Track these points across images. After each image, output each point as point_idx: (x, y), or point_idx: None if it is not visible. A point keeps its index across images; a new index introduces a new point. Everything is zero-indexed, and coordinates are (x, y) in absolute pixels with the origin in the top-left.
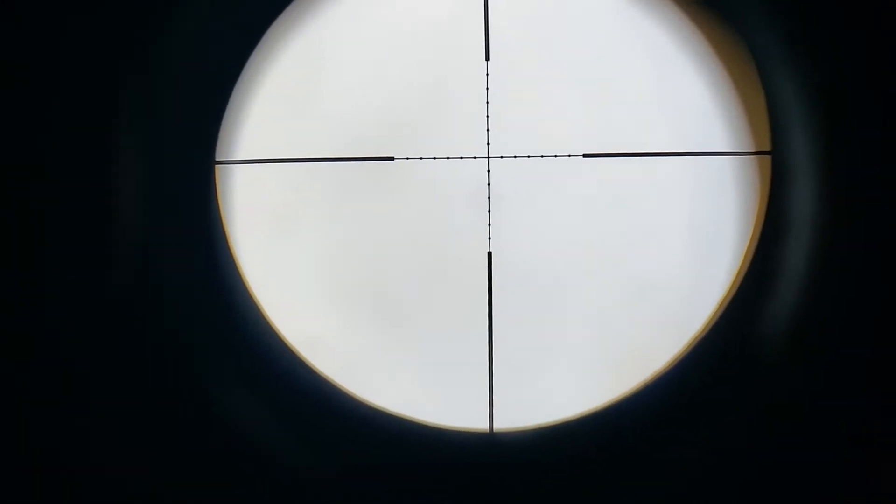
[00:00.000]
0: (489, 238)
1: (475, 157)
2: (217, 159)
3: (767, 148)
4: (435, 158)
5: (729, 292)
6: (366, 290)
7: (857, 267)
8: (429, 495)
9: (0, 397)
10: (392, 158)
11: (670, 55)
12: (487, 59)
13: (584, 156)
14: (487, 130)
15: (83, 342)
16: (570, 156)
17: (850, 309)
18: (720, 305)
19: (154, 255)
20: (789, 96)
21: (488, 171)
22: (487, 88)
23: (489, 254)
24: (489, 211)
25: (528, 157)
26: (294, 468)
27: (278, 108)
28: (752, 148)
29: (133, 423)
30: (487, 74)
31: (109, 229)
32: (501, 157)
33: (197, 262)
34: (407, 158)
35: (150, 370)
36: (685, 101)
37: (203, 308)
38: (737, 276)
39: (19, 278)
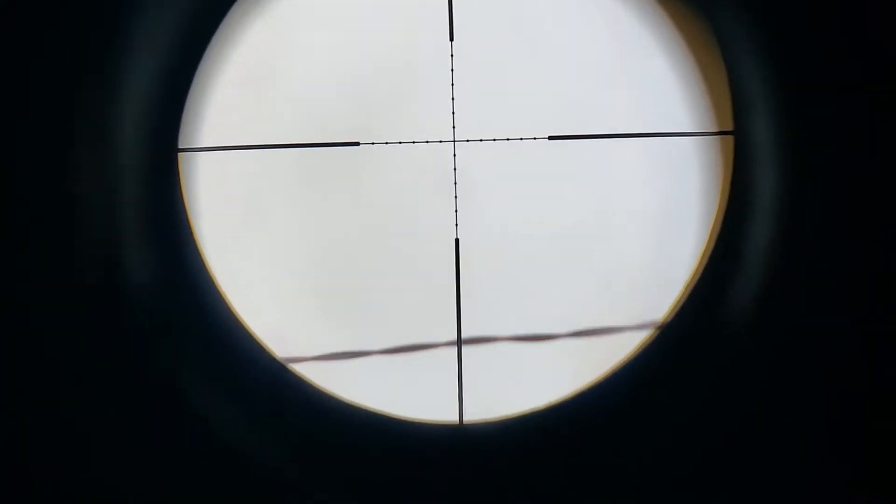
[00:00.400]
0: (456, 224)
1: (441, 141)
2: (179, 147)
3: (730, 128)
4: (401, 143)
5: (695, 274)
6: (332, 279)
7: (821, 246)
8: (400, 487)
9: None
10: (357, 144)
11: (634, 36)
12: (452, 39)
13: (550, 138)
14: (453, 113)
15: (47, 339)
16: (535, 138)
17: (815, 289)
18: (686, 288)
19: (117, 246)
20: (752, 75)
21: (454, 154)
22: (452, 70)
23: (457, 240)
24: (456, 196)
25: (494, 140)
26: (261, 462)
27: (241, 94)
28: (714, 128)
29: (100, 420)
30: (452, 56)
31: (70, 221)
32: (468, 140)
33: (161, 252)
34: (372, 143)
35: (116, 365)
36: (648, 81)
37: (169, 300)
38: (701, 259)
39: None
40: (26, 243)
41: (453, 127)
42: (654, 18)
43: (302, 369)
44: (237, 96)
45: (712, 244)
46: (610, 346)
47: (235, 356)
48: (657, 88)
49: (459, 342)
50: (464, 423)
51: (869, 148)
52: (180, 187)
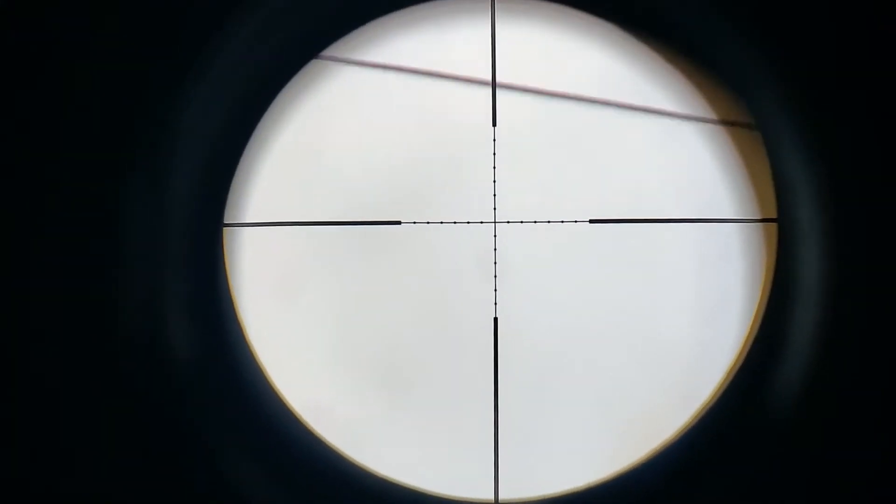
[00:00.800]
0: (495, 304)
1: (482, 222)
2: (225, 222)
3: (773, 215)
4: (442, 223)
5: (737, 360)
6: (372, 357)
7: (864, 332)
8: None
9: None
10: (399, 223)
11: (676, 122)
12: (494, 124)
13: (591, 221)
14: (494, 195)
15: (90, 407)
16: (576, 221)
17: (860, 374)
18: (729, 373)
19: (160, 317)
20: (794, 163)
21: (495, 235)
22: (494, 154)
23: (495, 319)
24: (495, 276)
25: (535, 222)
26: None
27: (286, 172)
28: (758, 215)
29: (139, 491)
30: (494, 140)
31: (115, 291)
32: (508, 222)
33: (203, 325)
34: (414, 223)
35: (155, 436)
36: (691, 167)
37: (209, 373)
38: (745, 344)
39: (23, 344)
40: (73, 314)
41: (494, 208)
42: (697, 106)
43: (338, 444)
44: (283, 174)
45: (755, 330)
46: (651, 429)
47: (274, 431)
48: (700, 175)
49: (496, 419)
50: (500, 501)
51: None
52: (224, 262)
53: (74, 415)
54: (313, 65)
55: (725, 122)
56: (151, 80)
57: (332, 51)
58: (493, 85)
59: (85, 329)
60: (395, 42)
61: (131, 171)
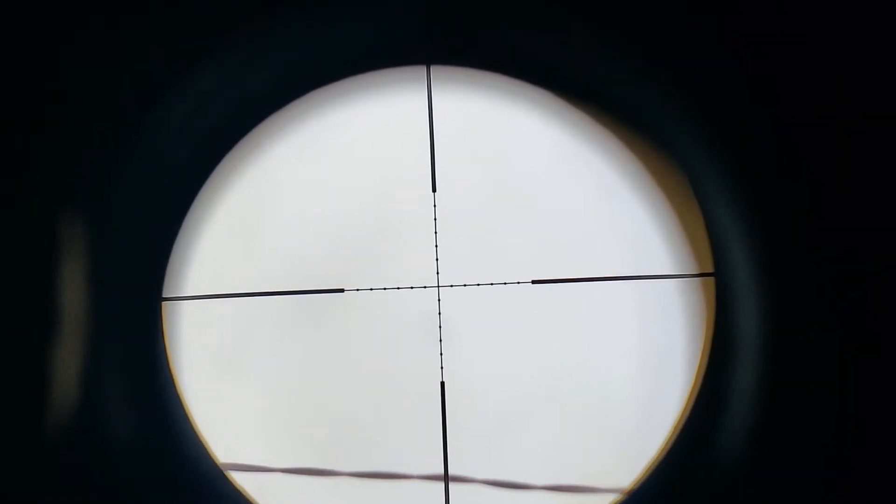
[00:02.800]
0: (441, 367)
1: (425, 287)
2: (164, 296)
3: (710, 269)
4: (385, 289)
5: (683, 414)
6: (316, 426)
7: (806, 383)
8: None
9: None
10: (342, 290)
11: (612, 182)
12: (434, 190)
13: (533, 282)
14: (437, 259)
15: (22, 484)
16: (519, 282)
17: (803, 424)
18: (675, 428)
19: (97, 393)
20: (727, 218)
21: (439, 299)
22: (435, 219)
23: (442, 384)
24: (441, 340)
25: (478, 284)
26: None
27: (227, 243)
28: (695, 270)
29: None
30: (435, 206)
31: (50, 366)
32: (452, 285)
33: (142, 400)
34: (357, 290)
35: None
36: (628, 226)
37: (149, 449)
38: (689, 398)
39: None
40: (4, 388)
41: (437, 273)
42: (631, 166)
43: None
44: (223, 245)
45: (699, 383)
46: (601, 487)
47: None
48: (637, 233)
49: (447, 484)
50: None
51: (848, 286)
52: (163, 335)
53: (11, 496)
54: (251, 137)
55: (661, 182)
56: (86, 153)
57: (269, 123)
58: (432, 152)
59: (15, 406)
60: (332, 113)
61: (67, 246)
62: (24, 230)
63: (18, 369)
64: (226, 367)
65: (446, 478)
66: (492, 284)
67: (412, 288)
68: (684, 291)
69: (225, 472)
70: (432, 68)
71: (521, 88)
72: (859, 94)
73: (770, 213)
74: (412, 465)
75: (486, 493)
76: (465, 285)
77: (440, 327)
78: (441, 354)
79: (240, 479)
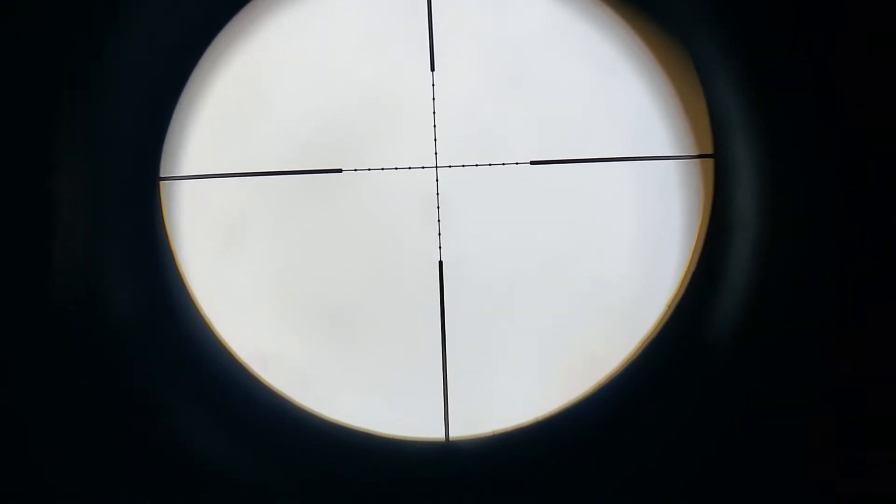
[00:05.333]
0: (440, 247)
1: (423, 167)
2: (161, 175)
3: (710, 151)
4: (383, 169)
5: (677, 294)
6: (316, 303)
7: (801, 264)
8: None
9: None
10: (340, 170)
11: (612, 62)
12: (433, 69)
13: (532, 163)
14: (435, 140)
15: (29, 366)
16: (517, 163)
17: (796, 306)
18: (669, 307)
19: (99, 273)
20: (729, 99)
21: (437, 180)
22: (434, 98)
23: (440, 263)
24: (439, 220)
25: (476, 165)
26: (249, 484)
27: (223, 123)
28: (694, 151)
29: (81, 444)
30: (433, 84)
31: (52, 248)
32: (450, 166)
33: (143, 280)
34: (355, 170)
35: (97, 391)
36: (628, 106)
37: (152, 327)
38: (684, 278)
39: None
40: (5, 271)
41: (435, 153)
42: (632, 45)
43: (287, 390)
44: (219, 125)
45: (694, 263)
46: (595, 363)
47: (218, 378)
48: (637, 113)
49: (444, 361)
50: (450, 440)
51: (846, 165)
52: (162, 215)
53: (15, 376)
54: (246, 12)
55: (662, 61)
56: (79, 32)
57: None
58: (430, 30)
59: (18, 285)
60: None
61: (62, 127)
62: (19, 114)
63: (20, 249)
64: (225, 245)
65: (444, 356)
66: (490, 165)
67: (410, 168)
68: (683, 172)
69: (227, 347)
70: None
71: None
72: None
73: (772, 93)
74: (410, 342)
75: (491, 367)
76: (463, 166)
77: (438, 208)
78: (439, 234)
79: (242, 354)
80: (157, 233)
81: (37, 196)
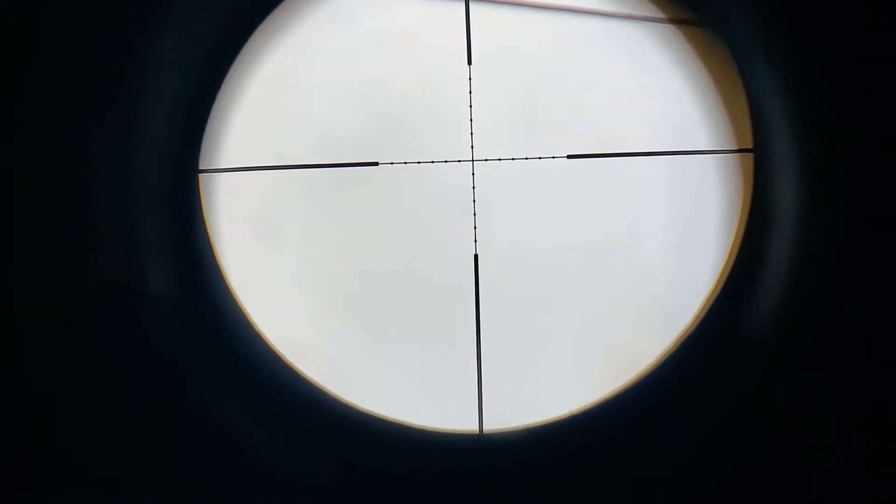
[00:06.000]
0: (475, 241)
1: (460, 161)
2: (200, 168)
3: (749, 146)
4: (419, 163)
5: (715, 289)
6: (352, 295)
7: (840, 261)
8: (420, 498)
9: None
10: (376, 164)
11: (651, 56)
12: (470, 63)
13: (569, 157)
14: (471, 134)
15: (68, 352)
16: (554, 157)
17: (835, 303)
18: (706, 302)
19: (138, 264)
20: (770, 94)
21: (473, 174)
22: (470, 92)
23: (475, 256)
24: (475, 214)
25: (513, 159)
26: (284, 474)
27: (261, 116)
28: (734, 146)
29: (120, 431)
30: (470, 78)
31: (92, 239)
32: (486, 160)
33: (182, 270)
34: (391, 163)
35: (137, 380)
36: (667, 100)
37: (189, 317)
38: (722, 273)
39: (3, 286)
40: (48, 260)
41: (472, 147)
42: (672, 39)
43: (321, 380)
44: (258, 118)
45: (732, 259)
46: (632, 357)
47: (256, 369)
48: (676, 107)
49: (479, 355)
50: (484, 432)
51: (886, 160)
52: (201, 207)
53: (53, 356)
54: (285, 6)
55: (702, 55)
56: (120, 23)
57: None
58: (468, 23)
59: (61, 276)
60: None
61: (103, 119)
62: (60, 106)
63: (63, 241)
64: (262, 236)
65: (479, 349)
66: (526, 159)
67: (446, 162)
68: (722, 167)
69: (263, 337)
70: None
71: None
72: None
73: (813, 88)
74: (445, 335)
75: (526, 361)
76: (499, 159)
77: (474, 201)
78: (475, 228)
79: (278, 344)
80: (195, 224)
81: (78, 188)
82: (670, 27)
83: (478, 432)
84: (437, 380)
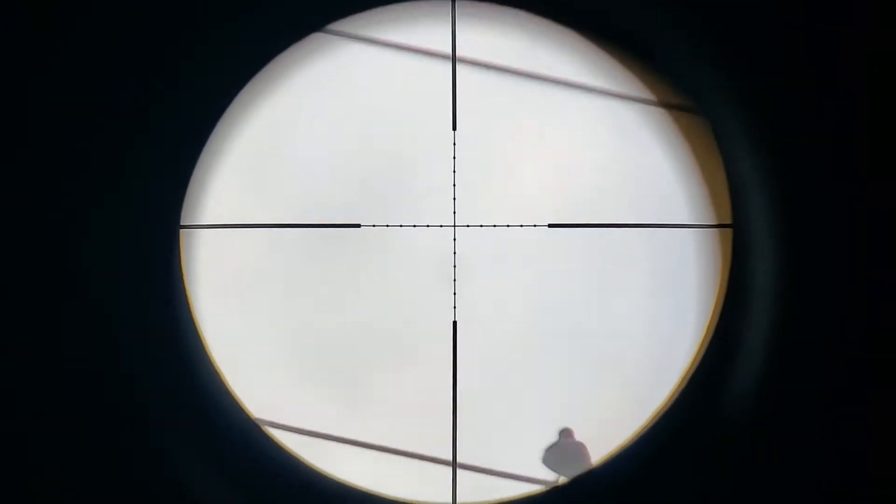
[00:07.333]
0: (454, 307)
1: (441, 226)
2: (182, 223)
3: (729, 221)
4: (402, 226)
5: (692, 364)
6: (329, 359)
7: (817, 338)
8: None
9: None
10: (358, 225)
11: (634, 130)
12: (455, 128)
13: (550, 226)
14: (454, 199)
15: (41, 409)
16: (535, 225)
17: (812, 381)
18: (684, 378)
19: (115, 319)
20: (749, 171)
21: (454, 239)
22: (454, 158)
23: (454, 323)
24: (455, 280)
25: (494, 226)
26: None
27: (245, 174)
28: (713, 220)
29: (93, 495)
30: (454, 144)
31: (70, 292)
32: (468, 225)
33: (159, 327)
34: (373, 226)
35: (108, 439)
36: (649, 174)
37: (164, 376)
38: (700, 348)
39: None
40: (26, 312)
41: (454, 212)
42: (654, 114)
43: (295, 448)
44: (242, 176)
45: (711, 333)
46: (608, 433)
47: (229, 434)
48: (657, 181)
49: (455, 423)
50: None
51: (866, 235)
52: (181, 262)
53: (22, 409)
54: (271, 68)
55: (683, 130)
56: (107, 76)
57: (290, 54)
58: (454, 89)
59: (37, 333)
60: (354, 46)
61: (86, 172)
62: (43, 157)
63: (39, 294)
64: (241, 296)
65: (454, 417)
66: (508, 226)
67: (428, 226)
68: (701, 241)
69: (237, 400)
70: (457, 3)
71: (546, 27)
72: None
73: (792, 163)
74: (421, 403)
75: (501, 434)
76: (481, 226)
77: (455, 267)
78: (454, 294)
79: (252, 408)
80: (174, 280)
81: (58, 239)
82: (653, 101)
83: None
84: (412, 449)
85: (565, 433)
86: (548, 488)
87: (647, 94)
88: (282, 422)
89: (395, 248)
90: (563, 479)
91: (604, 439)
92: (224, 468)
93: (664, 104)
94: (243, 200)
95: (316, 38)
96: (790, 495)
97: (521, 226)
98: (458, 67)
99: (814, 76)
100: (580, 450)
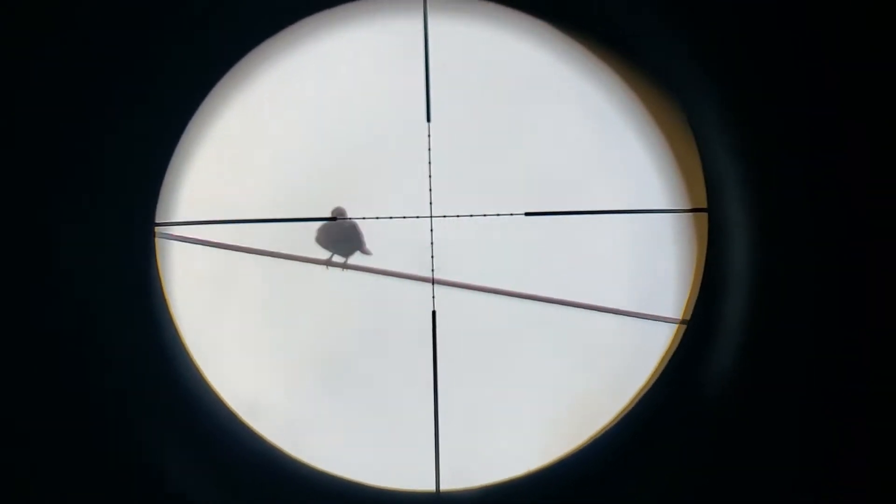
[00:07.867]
0: (433, 297)
1: (418, 217)
2: (157, 221)
3: (704, 205)
4: (378, 218)
5: (670, 347)
6: (309, 351)
7: (793, 320)
8: None
9: None
10: (335, 219)
11: (608, 116)
12: (429, 120)
13: (526, 214)
14: (430, 190)
15: (16, 406)
16: (511, 214)
17: (789, 362)
18: (662, 361)
19: (93, 318)
20: (723, 154)
21: (431, 230)
22: (429, 149)
23: (433, 313)
24: (433, 270)
25: (471, 216)
26: None
27: (219, 169)
28: (688, 205)
29: (74, 491)
30: (429, 135)
31: (46, 292)
32: (445, 216)
33: (136, 325)
34: (350, 218)
35: (89, 437)
36: (624, 159)
37: (143, 373)
38: (677, 331)
39: None
40: (1, 316)
41: (430, 203)
42: (628, 100)
43: (276, 439)
44: (216, 172)
45: (687, 317)
46: (587, 416)
47: (210, 428)
48: (632, 167)
49: (436, 411)
50: (441, 491)
51: (840, 218)
52: (156, 260)
53: (4, 421)
54: (244, 62)
55: (657, 115)
56: (79, 74)
57: (264, 49)
58: (427, 81)
59: (15, 332)
60: (328, 39)
61: (60, 172)
62: (17, 159)
63: (16, 295)
64: (218, 291)
65: (436, 405)
66: (485, 216)
67: (405, 218)
68: (677, 226)
69: (217, 394)
70: None
71: (518, 18)
72: (860, 30)
73: (765, 148)
74: (402, 392)
75: (483, 419)
76: (458, 216)
77: (432, 257)
78: (433, 284)
79: (232, 402)
80: (151, 278)
81: (32, 241)
82: (628, 88)
83: (434, 491)
84: (393, 437)
85: (338, 212)
86: (531, 472)
87: (620, 81)
88: (261, 413)
89: (372, 239)
90: (337, 258)
91: (584, 424)
92: (204, 461)
93: (638, 91)
94: (218, 196)
95: (288, 33)
96: (768, 476)
97: (498, 214)
98: (432, 58)
99: (787, 61)
100: (353, 229)
